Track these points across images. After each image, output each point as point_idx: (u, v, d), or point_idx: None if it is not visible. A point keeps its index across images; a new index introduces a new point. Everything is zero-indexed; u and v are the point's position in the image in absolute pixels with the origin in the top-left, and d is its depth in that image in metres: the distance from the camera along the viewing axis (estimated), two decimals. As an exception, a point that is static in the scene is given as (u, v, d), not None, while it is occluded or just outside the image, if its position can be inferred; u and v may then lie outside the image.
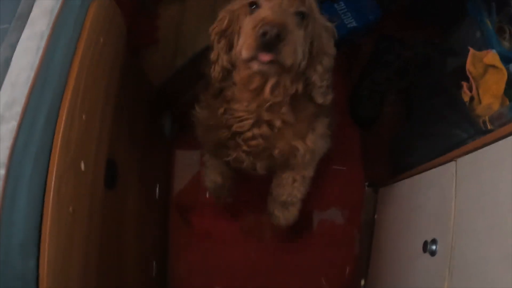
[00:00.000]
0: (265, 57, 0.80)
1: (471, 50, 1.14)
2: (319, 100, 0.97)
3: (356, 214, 1.50)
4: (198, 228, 1.46)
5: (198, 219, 1.46)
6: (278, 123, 0.98)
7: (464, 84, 1.12)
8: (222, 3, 1.34)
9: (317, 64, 0.94)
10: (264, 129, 0.99)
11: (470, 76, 1.11)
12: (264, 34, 0.76)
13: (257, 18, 0.81)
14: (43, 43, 0.72)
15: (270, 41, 0.77)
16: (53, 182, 0.71)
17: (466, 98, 1.10)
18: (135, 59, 1.16)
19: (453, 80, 1.17)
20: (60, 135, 0.73)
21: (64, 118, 0.73)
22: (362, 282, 1.47)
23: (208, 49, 1.00)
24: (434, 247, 0.91)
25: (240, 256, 1.45)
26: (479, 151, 0.86)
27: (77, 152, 0.78)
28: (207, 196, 1.46)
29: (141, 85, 1.23)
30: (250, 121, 0.98)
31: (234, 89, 0.97)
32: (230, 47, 0.93)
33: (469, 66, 1.12)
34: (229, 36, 0.93)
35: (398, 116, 1.56)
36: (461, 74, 1.14)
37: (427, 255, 0.93)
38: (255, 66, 0.82)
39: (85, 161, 0.81)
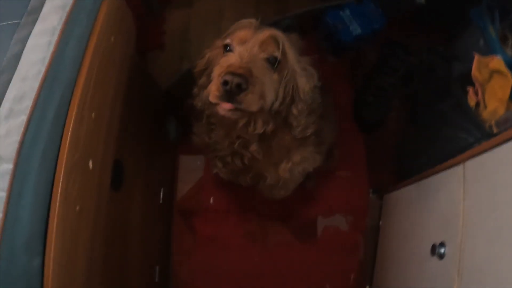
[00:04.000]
0: (226, 105, 0.81)
1: (476, 56, 1.15)
2: (298, 135, 0.98)
3: (361, 220, 1.49)
4: (201, 233, 1.45)
5: (202, 224, 1.45)
6: (246, 159, 1.02)
7: (470, 89, 1.13)
8: (228, 9, 1.38)
9: (293, 107, 0.94)
10: (238, 161, 1.04)
11: (476, 82, 1.12)
12: (225, 83, 0.77)
13: (224, 64, 0.82)
14: (54, 38, 0.72)
15: (231, 90, 0.77)
16: (61, 179, 0.70)
17: (472, 102, 1.10)
18: (142, 62, 1.17)
19: (459, 85, 1.17)
20: (70, 131, 0.72)
21: (74, 114, 0.73)
22: (367, 288, 1.46)
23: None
24: (442, 250, 0.91)
25: (244, 261, 1.44)
26: (487, 153, 0.86)
27: (86, 150, 0.78)
28: (211, 201, 1.46)
29: (148, 88, 1.23)
30: (227, 152, 1.03)
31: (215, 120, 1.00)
32: (209, 83, 0.94)
33: (474, 71, 1.13)
34: (208, 74, 0.95)
35: (402, 122, 1.57)
36: (467, 80, 1.15)
37: (435, 258, 0.93)
38: (220, 111, 0.82)
39: (93, 160, 0.80)
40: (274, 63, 0.86)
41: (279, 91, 0.89)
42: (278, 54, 0.86)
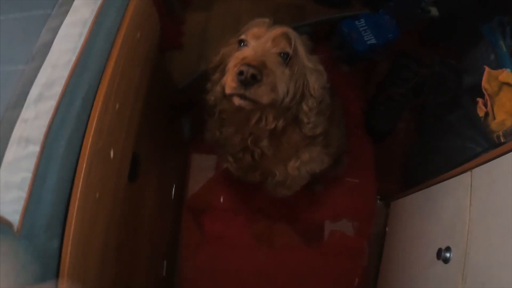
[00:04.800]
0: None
1: (487, 69, 1.17)
2: (308, 133, 1.01)
3: (367, 226, 1.51)
4: (210, 231, 1.47)
5: (210, 222, 1.47)
6: (257, 155, 1.05)
7: (480, 100, 1.15)
8: (246, 14, 1.41)
9: (303, 104, 0.97)
10: (249, 156, 1.06)
11: (485, 93, 1.14)
12: (241, 73, 0.80)
13: (239, 57, 0.85)
14: (85, 30, 0.76)
15: (246, 80, 0.80)
16: (84, 165, 0.73)
17: (481, 113, 1.12)
18: (161, 60, 1.20)
19: (469, 97, 1.19)
20: (95, 120, 0.76)
21: (100, 103, 0.76)
22: (369, 294, 1.47)
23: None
24: (448, 254, 0.92)
25: (249, 261, 1.45)
26: (494, 161, 0.88)
27: (108, 139, 0.81)
28: (221, 200, 1.48)
29: (166, 86, 1.26)
30: (238, 148, 1.06)
31: (226, 116, 1.03)
32: (218, 81, 0.98)
33: (484, 83, 1.15)
34: (222, 70, 0.98)
35: (410, 132, 1.59)
36: (476, 91, 1.17)
37: (440, 262, 0.94)
38: (235, 101, 0.85)
39: (114, 149, 0.83)
40: (285, 58, 0.89)
41: (290, 86, 0.91)
42: (289, 50, 0.89)
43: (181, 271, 1.46)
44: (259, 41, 0.88)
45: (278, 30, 0.89)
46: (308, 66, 0.95)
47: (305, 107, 0.97)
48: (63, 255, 0.70)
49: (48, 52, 0.75)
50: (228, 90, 0.84)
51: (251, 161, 1.06)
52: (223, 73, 0.95)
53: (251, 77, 0.80)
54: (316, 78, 0.96)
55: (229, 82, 0.83)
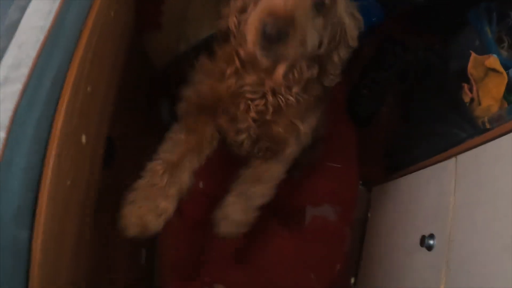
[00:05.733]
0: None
1: (473, 54, 1.16)
2: (326, 83, 0.94)
3: (349, 212, 1.50)
4: (189, 217, 1.43)
5: (190, 207, 1.43)
6: (288, 100, 0.91)
7: (465, 85, 1.14)
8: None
9: (334, 53, 0.89)
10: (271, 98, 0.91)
11: (471, 78, 1.13)
12: (264, 31, 0.72)
13: (266, 6, 0.74)
14: (55, 7, 0.70)
15: (271, 37, 0.72)
16: (53, 151, 0.68)
17: (466, 98, 1.12)
18: (139, 41, 1.15)
19: (455, 82, 1.18)
20: (65, 103, 0.71)
21: (70, 86, 0.71)
22: (352, 280, 1.47)
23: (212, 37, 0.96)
24: (431, 241, 0.92)
25: (230, 246, 1.43)
26: (480, 147, 0.88)
27: (80, 123, 0.76)
28: (200, 185, 1.45)
29: (143, 67, 1.21)
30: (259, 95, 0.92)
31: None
32: (243, 10, 0.86)
33: (470, 69, 1.14)
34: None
35: (394, 118, 1.58)
36: (462, 77, 1.16)
37: (424, 250, 0.94)
38: (258, 56, 0.77)
39: (86, 134, 0.79)
40: (320, 7, 0.79)
41: (323, 36, 0.83)
42: None
43: (160, 259, 1.43)
44: None
45: None
46: (347, 13, 0.86)
47: (335, 58, 0.89)
48: (33, 246, 0.66)
49: (15, 31, 0.70)
50: (250, 45, 0.76)
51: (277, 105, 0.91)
52: (245, 3, 0.84)
53: (277, 34, 0.71)
54: (355, 26, 0.87)
55: (251, 38, 0.75)
